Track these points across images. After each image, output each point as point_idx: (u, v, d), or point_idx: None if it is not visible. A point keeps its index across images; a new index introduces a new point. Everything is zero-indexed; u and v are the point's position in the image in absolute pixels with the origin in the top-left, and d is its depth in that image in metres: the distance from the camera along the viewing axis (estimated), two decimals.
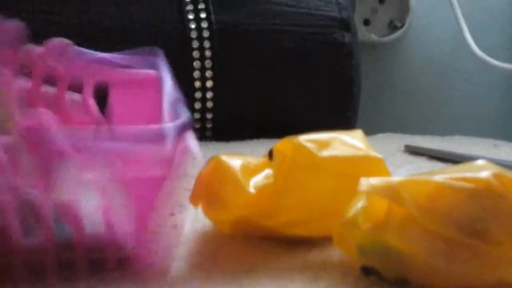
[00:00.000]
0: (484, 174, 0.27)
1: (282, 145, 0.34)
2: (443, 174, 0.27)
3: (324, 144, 0.33)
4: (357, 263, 0.29)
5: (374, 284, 0.28)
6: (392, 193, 0.27)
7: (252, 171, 0.34)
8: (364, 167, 0.33)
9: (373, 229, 0.28)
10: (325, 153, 0.33)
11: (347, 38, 0.82)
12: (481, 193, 0.26)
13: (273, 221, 0.33)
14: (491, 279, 0.27)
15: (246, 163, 0.34)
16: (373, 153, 0.33)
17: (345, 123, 0.84)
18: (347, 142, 0.34)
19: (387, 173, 0.33)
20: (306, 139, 0.33)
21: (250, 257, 0.32)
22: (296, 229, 0.33)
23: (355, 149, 0.33)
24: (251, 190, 0.32)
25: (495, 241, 0.26)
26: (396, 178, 0.28)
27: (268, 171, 0.34)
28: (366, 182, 0.28)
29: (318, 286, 0.28)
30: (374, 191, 0.27)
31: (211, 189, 0.34)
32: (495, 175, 0.27)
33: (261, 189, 0.32)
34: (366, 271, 0.28)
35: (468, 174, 0.27)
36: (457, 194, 0.26)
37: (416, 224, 0.27)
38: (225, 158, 0.34)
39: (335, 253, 0.32)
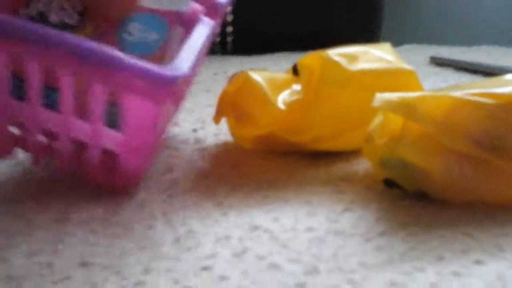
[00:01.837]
0: (506, 89, 0.26)
1: (309, 59, 0.33)
2: (464, 90, 0.27)
3: (353, 58, 0.32)
4: (380, 176, 0.29)
5: (396, 198, 0.28)
6: (406, 109, 0.26)
7: (279, 87, 0.33)
8: (395, 80, 0.32)
9: (388, 144, 0.28)
10: (355, 67, 0.32)
11: None
12: (502, 109, 0.26)
13: (302, 136, 0.32)
14: (506, 194, 0.27)
15: (273, 79, 0.33)
16: (404, 65, 0.33)
17: (369, 34, 0.82)
18: (377, 55, 0.33)
19: (418, 86, 0.33)
20: (335, 53, 0.32)
21: (274, 170, 0.32)
22: (325, 144, 0.33)
23: (385, 62, 0.33)
24: (280, 106, 0.32)
25: None
26: (412, 93, 0.27)
27: (295, 87, 0.33)
28: (381, 98, 0.27)
29: (343, 200, 0.28)
30: (388, 107, 0.27)
31: (239, 106, 0.34)
32: None
33: (290, 105, 0.32)
34: (388, 183, 0.28)
35: (489, 90, 0.26)
36: (476, 110, 0.26)
37: (432, 140, 0.26)
38: (251, 74, 0.33)
39: (359, 166, 0.32)
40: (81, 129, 0.28)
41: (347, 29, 0.83)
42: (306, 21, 0.81)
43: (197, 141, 0.37)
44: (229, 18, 0.78)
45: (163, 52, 0.31)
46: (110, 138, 0.28)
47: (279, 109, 0.32)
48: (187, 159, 0.34)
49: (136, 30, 0.31)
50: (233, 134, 0.35)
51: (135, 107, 0.26)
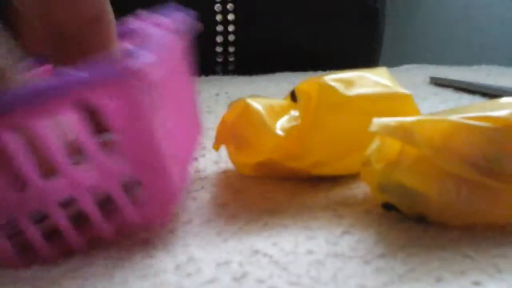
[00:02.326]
0: (503, 112, 0.26)
1: (306, 85, 0.33)
2: (461, 113, 0.27)
3: (350, 83, 0.33)
4: (379, 200, 0.29)
5: (396, 221, 0.28)
6: (403, 134, 0.27)
7: (276, 113, 0.34)
8: (392, 104, 0.33)
9: (386, 168, 0.28)
10: (352, 91, 0.32)
11: None
12: (499, 133, 0.26)
13: (301, 162, 0.33)
14: (504, 216, 0.27)
15: (270, 106, 0.34)
16: (401, 89, 0.33)
17: (369, 54, 0.83)
18: (373, 80, 0.33)
19: (415, 109, 0.33)
20: (331, 78, 0.33)
21: (274, 197, 0.32)
22: (324, 169, 0.33)
23: (381, 87, 0.33)
24: (279, 132, 0.32)
25: (510, 181, 0.26)
26: (409, 118, 0.27)
27: (292, 113, 0.34)
28: (378, 122, 0.27)
29: (342, 223, 0.28)
30: (385, 132, 0.27)
31: (238, 134, 0.34)
32: None
33: (288, 131, 0.32)
34: (387, 207, 0.28)
35: (486, 113, 0.26)
36: (473, 133, 0.26)
37: (429, 163, 0.27)
38: (250, 101, 0.34)
39: (357, 190, 0.33)
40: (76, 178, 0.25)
41: (347, 49, 0.83)
42: (307, 42, 0.82)
43: (197, 170, 0.38)
44: (231, 38, 0.79)
45: None
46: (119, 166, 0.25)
47: (278, 136, 0.32)
48: (187, 189, 0.34)
49: None
50: (233, 161, 0.36)
51: (114, 116, 0.24)
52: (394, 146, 0.28)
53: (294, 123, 0.33)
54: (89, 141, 0.24)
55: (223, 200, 0.32)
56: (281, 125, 0.33)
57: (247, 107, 0.34)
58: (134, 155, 0.25)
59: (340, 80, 0.33)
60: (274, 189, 0.34)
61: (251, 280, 0.23)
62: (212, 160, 0.39)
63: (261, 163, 0.34)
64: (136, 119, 0.24)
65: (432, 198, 0.27)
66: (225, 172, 0.37)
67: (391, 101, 0.33)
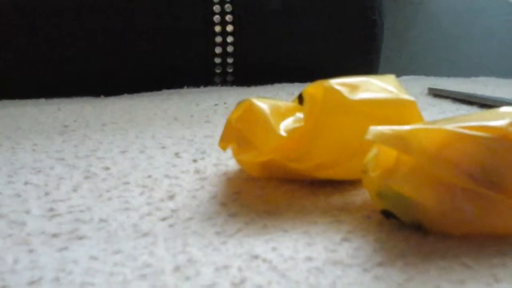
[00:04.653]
0: (501, 122, 0.26)
1: (312, 88, 0.34)
2: (458, 123, 0.27)
3: (355, 88, 0.33)
4: (378, 207, 0.29)
5: (395, 228, 0.28)
6: (399, 142, 0.27)
7: (282, 114, 0.34)
8: (396, 110, 0.33)
9: (382, 176, 0.28)
10: (357, 96, 0.32)
11: None
12: (495, 143, 0.26)
13: (303, 164, 0.33)
14: (503, 227, 0.27)
15: (276, 107, 0.34)
16: (405, 95, 0.33)
17: (367, 65, 0.83)
18: (379, 86, 0.34)
19: (419, 116, 0.33)
20: (337, 82, 0.33)
21: (274, 199, 0.32)
22: (326, 172, 0.33)
23: (386, 92, 0.33)
24: (282, 133, 0.32)
25: (509, 191, 0.26)
26: (406, 126, 0.27)
27: (298, 115, 0.34)
28: (374, 131, 0.27)
29: (341, 230, 0.28)
30: (381, 140, 0.27)
31: (242, 132, 0.34)
32: None
33: (291, 132, 0.32)
34: (386, 214, 0.28)
35: (483, 123, 0.26)
36: (470, 143, 0.26)
37: (425, 172, 0.27)
38: (255, 101, 0.34)
39: (358, 196, 0.33)
40: None
41: (346, 61, 0.84)
42: (305, 54, 0.82)
43: (197, 171, 0.38)
44: (230, 49, 0.79)
45: None
46: None
47: (281, 136, 0.32)
48: (187, 188, 0.35)
49: None
50: (237, 159, 0.36)
51: None
52: (390, 154, 0.28)
53: (298, 125, 0.33)
54: None
55: (223, 200, 0.32)
56: (285, 126, 0.33)
57: (252, 105, 0.34)
58: None
59: (345, 84, 0.33)
60: (274, 191, 0.34)
61: (250, 287, 0.23)
62: (212, 163, 0.39)
63: (266, 164, 0.34)
64: None
65: (428, 206, 0.27)
66: (225, 174, 0.37)
67: (395, 107, 0.33)
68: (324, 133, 0.32)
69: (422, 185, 0.27)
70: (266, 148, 0.33)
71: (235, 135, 0.35)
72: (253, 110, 0.34)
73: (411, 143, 0.27)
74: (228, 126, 0.35)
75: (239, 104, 0.35)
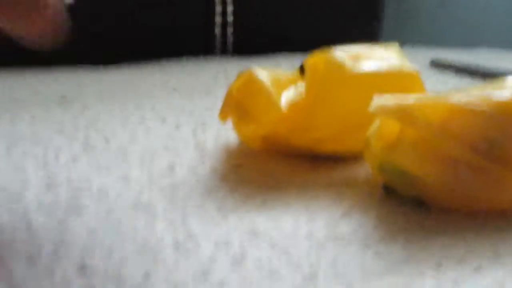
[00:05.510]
0: (505, 95, 0.26)
1: (314, 59, 0.33)
2: (462, 95, 0.27)
3: (358, 58, 0.32)
4: (380, 181, 0.29)
5: (396, 204, 0.28)
6: (403, 115, 0.26)
7: (283, 85, 0.33)
8: (398, 81, 0.32)
9: (384, 150, 0.28)
10: (359, 67, 0.32)
11: None
12: (500, 115, 0.26)
13: (304, 137, 0.32)
14: (505, 202, 0.27)
15: (277, 77, 0.33)
16: (408, 67, 0.33)
17: (369, 34, 0.82)
18: (382, 56, 0.33)
19: (421, 87, 0.33)
20: (339, 52, 0.32)
21: (275, 173, 0.32)
22: (327, 146, 0.33)
23: (389, 63, 0.33)
24: (283, 105, 0.32)
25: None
26: (409, 98, 0.27)
27: (299, 86, 0.33)
28: (378, 102, 0.27)
29: (342, 205, 0.28)
30: (385, 112, 0.27)
31: (242, 104, 0.34)
32: None
33: (292, 105, 0.32)
34: (388, 189, 0.28)
35: (488, 96, 0.26)
36: (474, 116, 0.26)
37: (428, 146, 0.26)
38: (256, 72, 0.33)
39: (360, 170, 0.32)
40: None
41: (348, 31, 0.83)
42: (307, 22, 0.82)
43: (197, 143, 0.37)
44: (230, 18, 0.78)
45: None
46: None
47: (281, 109, 0.32)
48: (187, 161, 0.34)
49: None
50: (237, 132, 0.35)
51: None
52: (393, 127, 0.28)
53: (299, 97, 0.32)
54: None
55: (223, 174, 0.32)
56: (286, 97, 0.32)
57: (252, 77, 0.33)
58: None
59: (348, 55, 0.32)
60: (275, 166, 0.33)
61: (250, 263, 0.23)
62: (212, 135, 0.39)
63: (267, 137, 0.33)
64: None
65: (429, 181, 0.27)
66: (225, 147, 0.37)
67: (397, 79, 0.32)
68: (326, 106, 0.32)
69: (425, 159, 0.27)
70: (267, 121, 0.32)
71: (235, 107, 0.34)
72: (253, 81, 0.33)
73: (415, 115, 0.26)
74: (229, 97, 0.35)
75: (240, 74, 0.35)
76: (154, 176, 0.32)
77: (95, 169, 0.33)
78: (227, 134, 0.39)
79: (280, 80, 0.33)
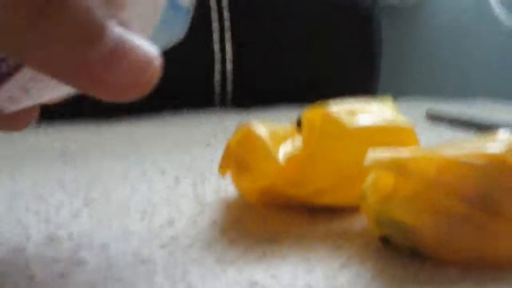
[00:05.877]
0: (498, 149, 0.26)
1: (311, 114, 0.34)
2: (456, 148, 0.27)
3: (353, 113, 0.33)
4: (377, 233, 0.29)
5: (393, 255, 0.28)
6: (397, 168, 0.27)
7: (280, 139, 0.34)
8: (393, 135, 0.33)
9: (380, 202, 0.28)
10: (355, 122, 0.33)
11: (368, 2, 0.82)
12: (492, 169, 0.26)
13: (302, 190, 0.33)
14: (501, 255, 0.27)
15: (275, 131, 0.34)
16: (403, 122, 0.34)
17: (366, 87, 0.84)
18: (377, 111, 0.34)
19: (416, 141, 0.34)
20: (335, 108, 0.33)
21: (273, 226, 0.33)
22: (324, 198, 0.33)
23: (384, 118, 0.34)
24: (281, 159, 0.33)
25: (506, 217, 0.26)
26: (403, 152, 0.28)
27: (296, 139, 0.34)
28: (373, 156, 0.28)
29: (341, 256, 0.29)
30: (380, 165, 0.28)
31: (241, 158, 0.34)
32: (509, 150, 0.26)
33: (290, 158, 0.33)
34: (384, 240, 0.29)
35: (481, 149, 0.27)
36: (467, 169, 0.26)
37: (423, 199, 0.27)
38: (254, 126, 0.34)
39: (356, 222, 0.33)
40: None
41: (345, 82, 0.84)
42: (305, 76, 0.83)
43: (197, 196, 0.38)
44: (229, 73, 0.79)
45: None
46: None
47: (279, 162, 0.33)
48: (187, 214, 0.35)
49: None
50: (236, 185, 0.36)
51: None
52: (388, 179, 0.28)
53: (296, 151, 0.33)
54: None
55: (222, 227, 0.33)
56: (284, 151, 0.33)
57: (250, 131, 0.34)
58: None
59: (344, 110, 0.33)
60: (273, 218, 0.34)
61: None
62: (212, 189, 0.39)
63: (263, 189, 0.34)
64: None
65: (425, 232, 0.27)
66: (225, 200, 0.37)
67: (392, 133, 0.33)
68: (322, 159, 0.33)
69: (420, 211, 0.27)
70: (265, 174, 0.33)
71: (235, 160, 0.35)
72: (252, 136, 0.34)
73: (410, 168, 0.27)
74: (228, 151, 0.36)
75: (238, 128, 0.35)
76: (155, 229, 0.32)
77: (96, 224, 0.33)
78: (226, 187, 0.39)
79: (277, 134, 0.34)
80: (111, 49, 0.20)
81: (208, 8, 0.76)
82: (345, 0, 0.81)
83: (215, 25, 0.77)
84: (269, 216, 0.34)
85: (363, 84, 0.83)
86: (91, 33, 0.20)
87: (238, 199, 0.37)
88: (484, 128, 0.58)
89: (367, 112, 0.34)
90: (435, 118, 0.67)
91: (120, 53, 0.21)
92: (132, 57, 0.21)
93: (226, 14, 0.77)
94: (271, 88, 0.81)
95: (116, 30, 0.21)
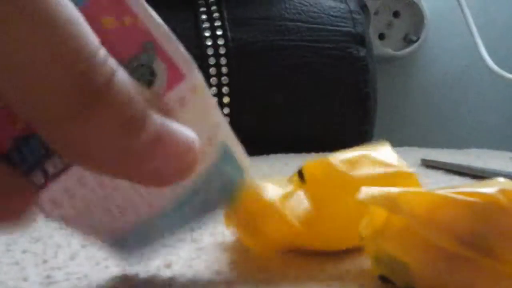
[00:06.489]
0: (491, 189, 0.26)
1: (312, 167, 0.34)
2: (449, 189, 0.27)
3: (355, 163, 0.33)
4: (376, 272, 0.29)
5: None
6: (389, 202, 0.27)
7: (285, 195, 0.34)
8: (396, 182, 0.33)
9: (373, 238, 0.28)
10: (357, 172, 0.33)
11: (362, 52, 0.83)
12: (485, 208, 0.26)
13: (313, 243, 0.33)
14: None
15: (278, 188, 0.34)
16: (404, 168, 0.34)
17: (361, 137, 0.84)
18: (377, 159, 0.34)
19: (418, 186, 0.34)
20: (336, 159, 0.34)
21: (269, 268, 0.33)
22: (332, 246, 0.34)
23: (386, 166, 0.34)
24: (294, 221, 0.32)
25: (499, 258, 0.25)
26: (396, 188, 0.28)
27: (300, 193, 0.34)
28: (365, 191, 0.28)
29: None
30: (371, 200, 0.28)
31: (249, 220, 0.33)
32: (503, 191, 0.26)
33: (302, 218, 0.33)
34: (383, 279, 0.29)
35: (474, 189, 0.27)
36: (459, 207, 0.26)
37: (414, 234, 0.27)
38: (262, 188, 0.34)
39: (353, 264, 0.33)
40: None
41: (340, 133, 0.84)
42: (298, 125, 0.83)
43: (194, 240, 0.38)
44: (226, 120, 0.80)
45: None
46: None
47: (293, 224, 0.32)
48: (184, 257, 0.35)
49: None
50: (244, 241, 0.35)
51: None
52: (381, 215, 0.29)
53: (304, 209, 0.33)
54: None
55: (219, 270, 0.33)
56: (291, 209, 0.33)
57: (259, 194, 0.33)
58: None
59: (345, 161, 0.34)
60: (269, 261, 0.34)
61: None
62: (209, 233, 0.39)
63: (276, 247, 0.34)
64: None
65: (416, 269, 0.27)
66: (222, 244, 0.37)
67: (395, 180, 0.33)
68: (329, 214, 0.33)
69: (412, 247, 0.27)
70: (281, 237, 0.33)
71: (243, 223, 0.34)
72: (260, 199, 0.33)
73: (401, 203, 0.27)
74: (235, 213, 0.34)
75: (244, 188, 0.34)
76: (151, 272, 0.32)
77: (94, 266, 0.33)
78: (223, 230, 0.40)
79: (282, 188, 0.34)
80: (154, 138, 0.20)
81: (207, 64, 0.77)
82: (340, 51, 0.82)
83: (213, 80, 0.78)
84: (264, 259, 0.34)
85: (359, 133, 0.84)
86: (134, 123, 0.19)
87: (234, 242, 0.37)
88: (479, 176, 0.58)
89: (368, 161, 0.34)
90: (430, 166, 0.67)
91: (162, 141, 0.20)
92: (173, 143, 0.20)
93: (224, 69, 0.78)
94: (265, 139, 0.82)
95: (156, 117, 0.20)
